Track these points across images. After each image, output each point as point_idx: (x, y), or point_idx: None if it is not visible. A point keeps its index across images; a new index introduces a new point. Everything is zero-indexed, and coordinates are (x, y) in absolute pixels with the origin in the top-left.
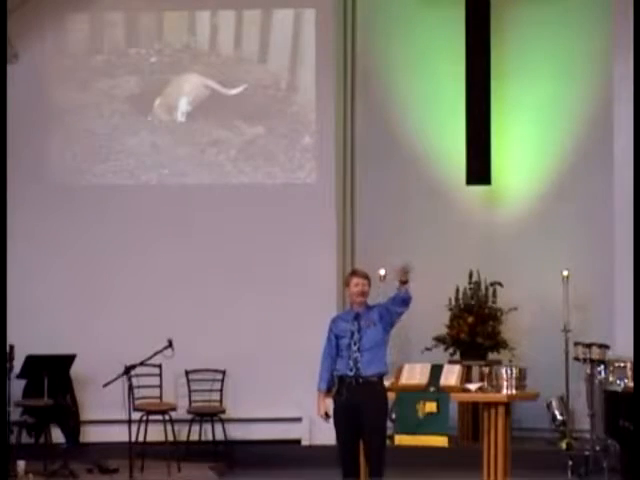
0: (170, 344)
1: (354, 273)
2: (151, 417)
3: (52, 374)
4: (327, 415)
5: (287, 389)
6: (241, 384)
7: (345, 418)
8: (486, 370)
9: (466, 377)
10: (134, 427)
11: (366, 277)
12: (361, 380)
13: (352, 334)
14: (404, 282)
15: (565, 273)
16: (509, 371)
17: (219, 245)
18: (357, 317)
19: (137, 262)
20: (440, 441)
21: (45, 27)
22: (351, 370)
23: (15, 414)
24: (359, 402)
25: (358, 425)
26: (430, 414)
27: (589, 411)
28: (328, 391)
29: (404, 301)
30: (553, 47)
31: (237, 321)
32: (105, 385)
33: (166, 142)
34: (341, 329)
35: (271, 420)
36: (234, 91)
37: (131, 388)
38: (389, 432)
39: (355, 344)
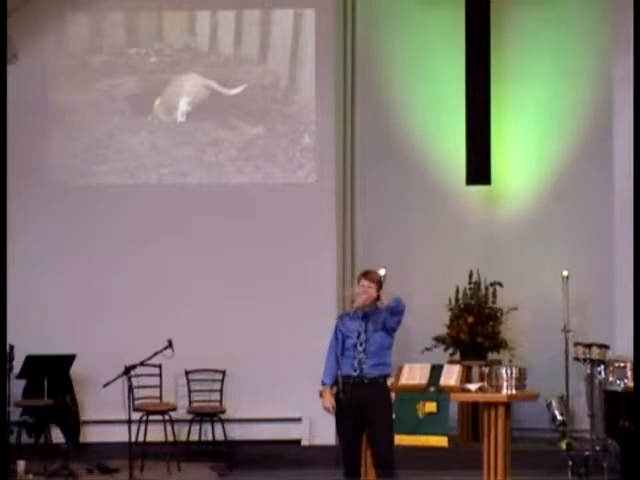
0: (170, 344)
1: (362, 274)
2: (151, 417)
3: (52, 374)
4: (333, 408)
5: (287, 389)
6: (241, 384)
7: (348, 417)
8: (486, 370)
9: (466, 377)
10: (134, 427)
11: (373, 280)
12: (365, 380)
13: (359, 334)
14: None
15: (565, 273)
16: (509, 371)
17: (219, 245)
18: (365, 317)
19: (137, 262)
20: (440, 441)
21: (45, 27)
22: (355, 370)
23: (15, 414)
24: (364, 402)
25: (362, 425)
26: (430, 414)
27: (589, 411)
28: (332, 387)
29: (401, 312)
30: (553, 47)
31: (237, 321)
32: (105, 385)
33: (166, 142)
34: (348, 328)
35: (271, 420)
36: (234, 91)
37: (131, 388)
38: None
39: (361, 345)
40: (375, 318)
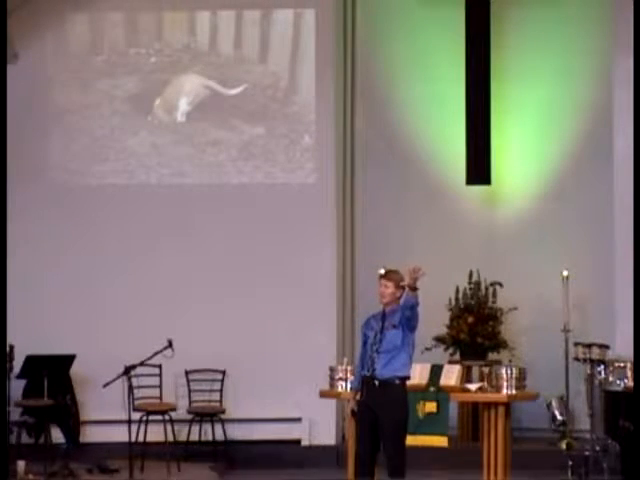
0: (170, 344)
1: (380, 274)
2: (151, 417)
3: (52, 374)
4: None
5: (287, 389)
6: (241, 384)
7: (362, 418)
8: (486, 370)
9: (466, 377)
10: (134, 427)
11: (390, 278)
12: (377, 382)
13: (375, 334)
14: (413, 288)
15: (565, 273)
16: (509, 371)
17: (219, 245)
18: (384, 317)
19: (137, 262)
20: (440, 441)
21: (45, 27)
22: (368, 370)
23: (15, 414)
24: (375, 404)
25: (373, 428)
26: (430, 414)
27: (589, 411)
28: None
29: (411, 307)
30: (553, 47)
31: (237, 321)
32: (105, 385)
33: (166, 142)
34: (370, 327)
35: (271, 420)
36: (234, 91)
37: (131, 388)
38: None
39: (375, 345)
40: (392, 317)
